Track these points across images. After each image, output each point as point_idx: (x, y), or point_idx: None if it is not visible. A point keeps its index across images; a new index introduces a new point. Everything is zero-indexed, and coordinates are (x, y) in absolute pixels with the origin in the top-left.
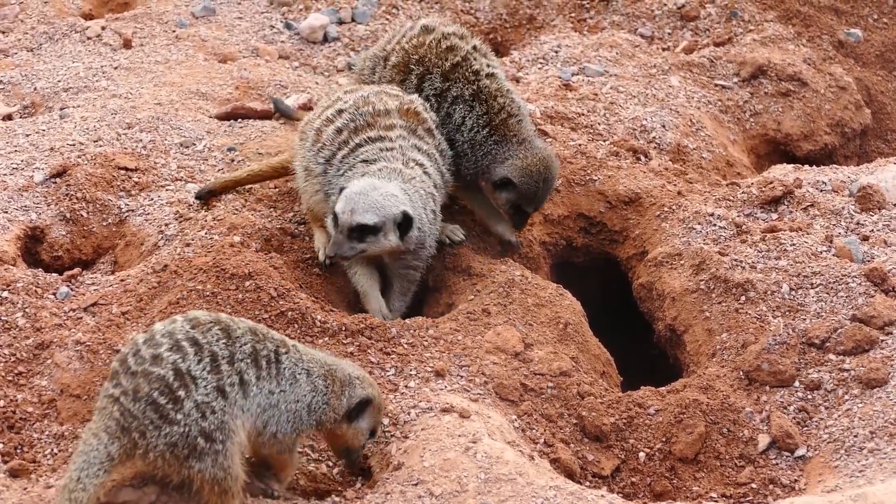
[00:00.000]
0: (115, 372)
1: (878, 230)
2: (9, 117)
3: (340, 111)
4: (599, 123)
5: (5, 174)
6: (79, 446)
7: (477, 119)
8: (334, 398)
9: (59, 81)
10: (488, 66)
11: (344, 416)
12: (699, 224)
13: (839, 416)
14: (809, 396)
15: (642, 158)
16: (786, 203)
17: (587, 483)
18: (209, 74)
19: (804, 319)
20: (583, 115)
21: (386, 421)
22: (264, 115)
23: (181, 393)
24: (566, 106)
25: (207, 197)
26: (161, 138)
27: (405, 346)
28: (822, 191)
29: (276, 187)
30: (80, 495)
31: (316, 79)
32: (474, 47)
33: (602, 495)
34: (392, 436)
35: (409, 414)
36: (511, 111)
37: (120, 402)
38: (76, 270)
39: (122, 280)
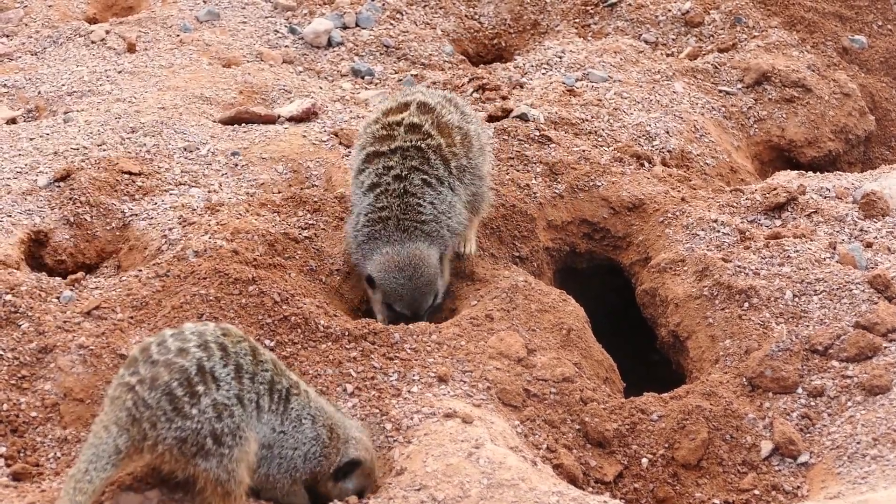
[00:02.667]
0: (134, 359)
1: (882, 237)
2: (13, 121)
3: None
4: (603, 129)
5: (9, 178)
6: (89, 438)
7: (362, 209)
8: (333, 453)
9: (63, 85)
10: (418, 165)
11: (331, 473)
12: (703, 230)
13: (842, 422)
14: (812, 403)
15: (646, 164)
16: (789, 209)
17: (590, 489)
18: (213, 79)
19: (807, 326)
20: (587, 120)
21: (389, 426)
22: (268, 120)
23: (200, 388)
24: (570, 111)
25: None
26: (165, 143)
27: (408, 351)
28: (825, 197)
29: (279, 192)
30: (86, 486)
31: (320, 83)
32: (419, 146)
33: (605, 501)
34: (395, 441)
35: (411, 419)
36: (400, 213)
37: (135, 391)
38: (80, 274)
39: (125, 284)
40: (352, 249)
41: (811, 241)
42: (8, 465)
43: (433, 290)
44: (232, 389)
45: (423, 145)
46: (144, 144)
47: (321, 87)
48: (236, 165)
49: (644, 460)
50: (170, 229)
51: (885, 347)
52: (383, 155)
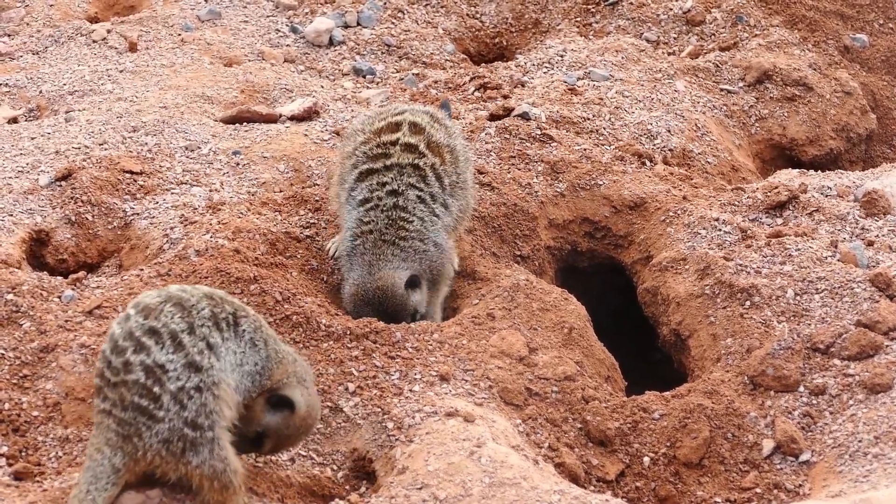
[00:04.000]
0: (99, 387)
1: (884, 235)
2: (14, 120)
3: None
4: (605, 128)
5: (10, 177)
6: (85, 461)
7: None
8: (274, 369)
9: (64, 85)
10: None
11: (266, 394)
12: (704, 229)
13: (844, 421)
14: (814, 401)
15: (647, 163)
16: (791, 208)
17: (591, 487)
18: (214, 78)
19: (809, 324)
20: (588, 119)
21: (390, 425)
22: (269, 119)
23: (157, 389)
24: (571, 110)
25: None
26: (166, 142)
27: (410, 350)
28: (827, 196)
29: (280, 191)
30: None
31: (321, 82)
32: (416, 163)
33: (606, 500)
34: (396, 440)
35: (413, 418)
36: (383, 227)
37: (112, 415)
38: (81, 274)
39: (127, 283)
40: (341, 262)
41: (812, 239)
42: (9, 465)
43: (405, 313)
44: (178, 363)
45: (420, 163)
46: (146, 143)
47: (322, 86)
48: (238, 164)
49: (646, 459)
50: (171, 228)
51: (887, 346)
52: (377, 172)
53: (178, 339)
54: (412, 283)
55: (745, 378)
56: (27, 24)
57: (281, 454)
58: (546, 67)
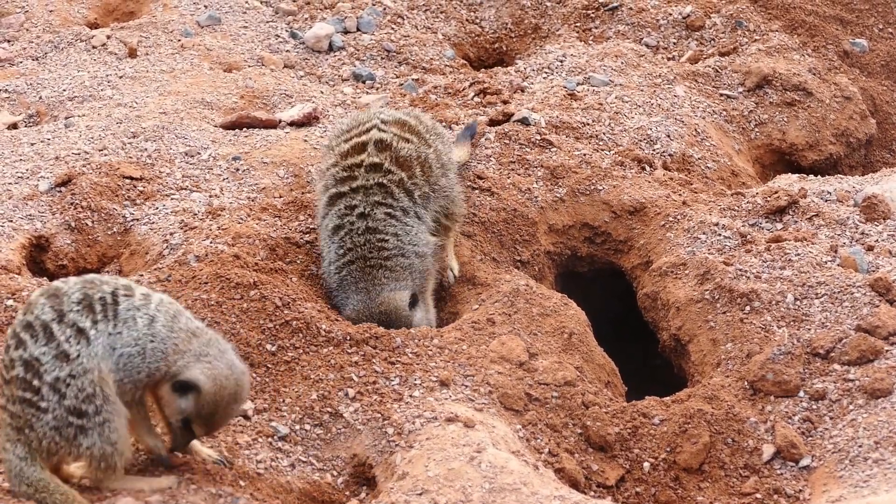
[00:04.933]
0: None
1: (883, 240)
2: (14, 126)
3: None
4: (604, 133)
5: (10, 183)
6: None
7: (330, 256)
8: (173, 353)
9: (64, 90)
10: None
11: (172, 380)
12: (704, 234)
13: (844, 426)
14: (814, 406)
15: (647, 168)
16: (791, 213)
17: (592, 493)
18: (214, 83)
19: (809, 329)
20: (588, 124)
21: (391, 430)
22: (269, 125)
23: (36, 382)
24: (571, 115)
25: None
26: (166, 147)
27: (410, 355)
28: (826, 201)
29: (280, 196)
30: (20, 485)
31: (321, 88)
32: (381, 182)
33: None
34: (397, 445)
35: (413, 423)
36: (366, 252)
37: (7, 409)
38: None
39: None
40: (331, 293)
41: (812, 244)
42: None
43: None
44: (49, 354)
45: (384, 181)
46: (146, 149)
47: (322, 92)
48: (237, 170)
49: (646, 464)
50: (171, 234)
51: (887, 351)
52: (345, 195)
53: (48, 329)
54: (413, 303)
55: (746, 383)
56: (27, 30)
57: (282, 460)
58: (546, 73)
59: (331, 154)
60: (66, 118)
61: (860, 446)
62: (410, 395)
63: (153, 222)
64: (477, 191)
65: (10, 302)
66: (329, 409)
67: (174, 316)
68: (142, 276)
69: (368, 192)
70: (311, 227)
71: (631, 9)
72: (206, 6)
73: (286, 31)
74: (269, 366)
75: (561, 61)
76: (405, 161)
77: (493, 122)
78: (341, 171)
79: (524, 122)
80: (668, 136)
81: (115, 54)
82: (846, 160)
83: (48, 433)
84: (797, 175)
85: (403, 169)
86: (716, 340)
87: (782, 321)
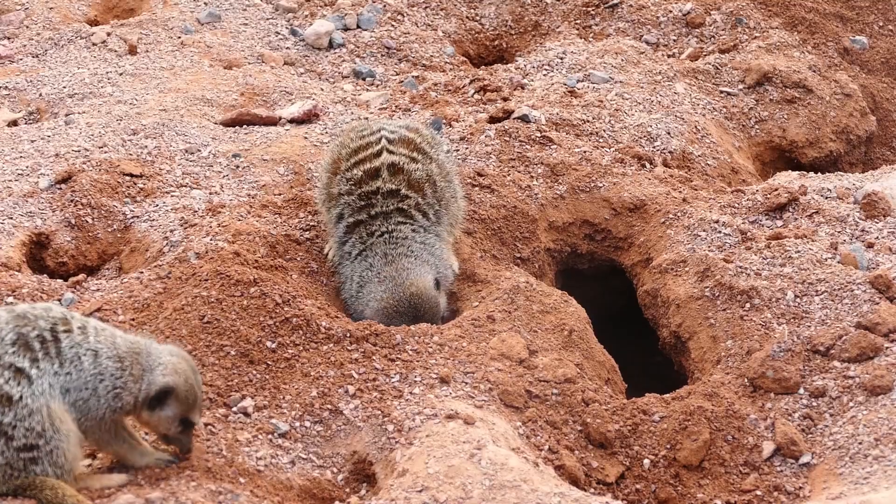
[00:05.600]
0: None
1: (883, 237)
2: (14, 123)
3: None
4: (604, 130)
5: (10, 180)
6: None
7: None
8: (132, 382)
9: (64, 87)
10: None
11: (144, 404)
12: (704, 231)
13: (844, 423)
14: (814, 403)
15: (647, 165)
16: (791, 210)
17: (592, 490)
18: (214, 81)
19: (809, 326)
20: (588, 121)
21: (391, 427)
22: (269, 122)
23: None
24: (571, 113)
25: None
26: (166, 144)
27: (410, 352)
28: (826, 198)
29: (280, 194)
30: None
31: (321, 85)
32: (400, 207)
33: (607, 502)
34: (397, 442)
35: (413, 420)
36: (388, 248)
37: None
38: (81, 276)
39: (126, 286)
40: (351, 306)
41: (812, 241)
42: None
43: (438, 315)
44: None
45: (403, 206)
46: (146, 146)
47: (322, 89)
48: (237, 167)
49: (646, 461)
50: (171, 231)
51: (887, 348)
52: (364, 223)
53: None
54: (437, 285)
55: (746, 380)
56: (27, 27)
57: (281, 456)
58: (546, 70)
59: (341, 179)
60: (67, 115)
61: (860, 443)
62: (410, 392)
63: (153, 219)
64: (477, 188)
65: (10, 299)
66: (329, 406)
67: (113, 343)
68: (142, 272)
69: (388, 216)
70: (312, 224)
71: (631, 6)
72: (206, 3)
73: (286, 28)
74: (270, 363)
75: (561, 58)
76: (417, 183)
77: (493, 120)
78: (358, 200)
79: (524, 119)
80: (669, 134)
81: (116, 51)
82: (846, 157)
83: (1, 468)
84: (797, 172)
85: (417, 191)
86: (716, 337)
87: (782, 318)
